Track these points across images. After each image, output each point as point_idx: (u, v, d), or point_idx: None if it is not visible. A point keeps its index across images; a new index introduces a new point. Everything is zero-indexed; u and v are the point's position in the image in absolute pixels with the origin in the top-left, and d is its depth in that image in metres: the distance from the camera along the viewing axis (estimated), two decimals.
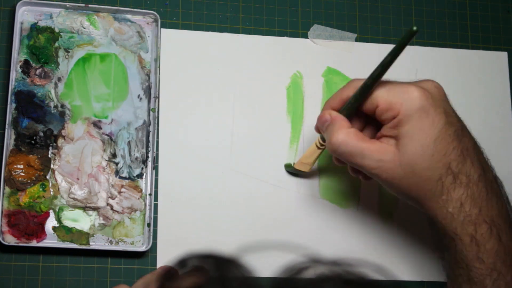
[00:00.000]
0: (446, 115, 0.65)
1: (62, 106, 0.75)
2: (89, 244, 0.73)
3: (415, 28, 0.61)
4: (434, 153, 0.64)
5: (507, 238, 0.65)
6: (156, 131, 0.76)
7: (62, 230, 0.73)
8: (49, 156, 0.74)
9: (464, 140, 0.66)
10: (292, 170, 0.78)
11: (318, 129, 0.71)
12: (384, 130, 0.67)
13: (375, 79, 0.66)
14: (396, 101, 0.65)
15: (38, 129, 0.74)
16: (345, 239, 0.78)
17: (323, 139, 0.72)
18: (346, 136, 0.67)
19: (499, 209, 0.66)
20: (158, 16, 0.78)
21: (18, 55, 0.75)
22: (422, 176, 0.65)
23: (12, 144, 0.73)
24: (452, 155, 0.65)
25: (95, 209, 0.74)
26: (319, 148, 0.74)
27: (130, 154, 0.75)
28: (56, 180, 0.73)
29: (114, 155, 0.75)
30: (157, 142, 0.77)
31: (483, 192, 0.65)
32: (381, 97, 0.66)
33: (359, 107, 0.68)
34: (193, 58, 0.80)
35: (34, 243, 0.72)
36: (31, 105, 0.74)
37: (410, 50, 0.84)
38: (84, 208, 0.74)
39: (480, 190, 0.65)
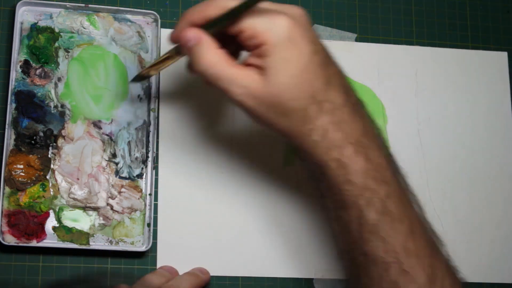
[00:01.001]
0: (312, 44, 0.64)
1: (62, 106, 0.75)
2: (89, 244, 0.73)
3: None
4: (301, 83, 0.63)
5: (375, 155, 0.64)
6: (156, 131, 0.76)
7: (62, 230, 0.73)
8: (49, 156, 0.74)
9: (329, 67, 0.65)
10: (138, 78, 0.75)
11: (174, 40, 0.67)
12: (249, 59, 0.64)
13: (248, 7, 0.62)
14: (262, 29, 0.62)
15: (38, 129, 0.74)
16: None
17: (178, 52, 0.68)
18: (216, 57, 0.63)
19: (364, 129, 0.65)
20: (158, 16, 0.78)
21: (18, 55, 0.75)
22: (288, 107, 0.63)
23: (12, 144, 0.73)
24: (317, 84, 0.63)
25: (95, 209, 0.74)
26: (169, 59, 0.70)
27: (130, 154, 0.75)
28: (56, 180, 0.73)
29: (114, 155, 0.75)
30: (157, 142, 0.77)
31: (347, 116, 0.64)
32: (247, 22, 0.63)
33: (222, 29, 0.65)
34: None
35: (34, 243, 0.72)
36: (31, 105, 0.74)
37: (410, 50, 0.84)
38: (84, 208, 0.74)
39: (344, 114, 0.64)
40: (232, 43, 0.66)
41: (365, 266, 0.64)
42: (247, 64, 0.64)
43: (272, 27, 0.62)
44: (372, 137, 0.65)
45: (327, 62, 0.65)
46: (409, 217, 0.64)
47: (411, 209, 0.65)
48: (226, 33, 0.64)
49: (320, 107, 0.63)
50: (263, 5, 0.64)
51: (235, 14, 0.63)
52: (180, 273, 0.74)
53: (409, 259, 0.63)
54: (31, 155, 0.73)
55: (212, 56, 0.64)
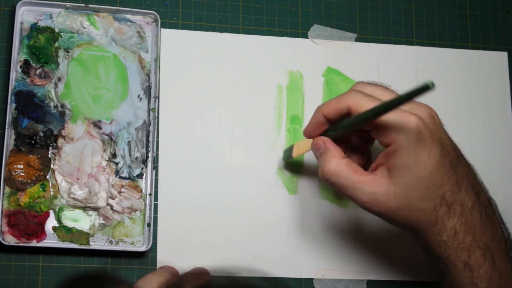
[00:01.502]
0: (442, 146, 0.64)
1: (62, 106, 0.75)
2: (89, 244, 0.73)
3: (431, 84, 0.57)
4: (429, 185, 0.63)
5: (501, 261, 0.65)
6: (156, 131, 0.76)
7: (62, 230, 0.73)
8: (49, 156, 0.74)
9: (458, 169, 0.65)
10: (288, 157, 0.76)
11: (307, 136, 0.70)
12: (379, 158, 0.65)
13: (377, 115, 0.63)
14: (392, 128, 0.63)
15: (38, 129, 0.74)
16: (345, 239, 0.78)
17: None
18: (338, 166, 0.65)
19: (493, 233, 0.65)
20: (158, 16, 0.78)
21: (18, 55, 0.75)
22: (416, 208, 0.64)
23: (12, 144, 0.73)
24: (446, 185, 0.64)
25: (95, 209, 0.74)
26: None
27: (130, 154, 0.75)
28: (56, 180, 0.73)
29: (114, 155, 0.75)
30: (157, 142, 0.77)
31: (477, 219, 0.65)
32: (379, 119, 0.63)
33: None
34: (193, 58, 0.80)
35: (34, 243, 0.72)
36: (31, 105, 0.74)
37: (410, 50, 0.84)
38: (84, 208, 0.74)
39: (474, 217, 0.64)
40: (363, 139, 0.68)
41: None
42: (376, 165, 0.65)
43: (402, 127, 0.62)
44: (499, 241, 0.66)
45: (457, 163, 0.65)
46: None
47: None
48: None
49: (450, 209, 0.64)
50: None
51: (365, 121, 0.64)
52: (180, 273, 0.74)
53: None
54: (31, 155, 0.73)
55: (336, 165, 0.65)
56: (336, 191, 0.66)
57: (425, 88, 0.57)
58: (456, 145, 0.66)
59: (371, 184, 0.64)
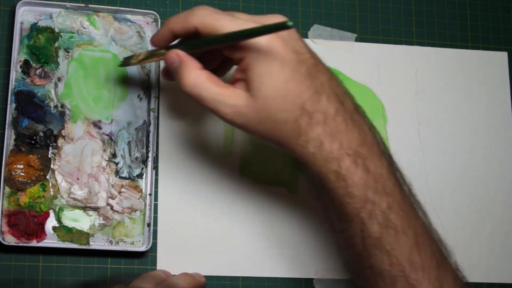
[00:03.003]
0: (297, 54, 0.62)
1: (62, 106, 0.75)
2: (89, 244, 0.73)
3: (290, 23, 0.57)
4: (287, 95, 0.62)
5: (375, 166, 0.63)
6: (156, 131, 0.76)
7: (62, 230, 0.73)
8: (49, 156, 0.74)
9: (317, 76, 0.63)
10: (126, 63, 0.74)
11: (155, 45, 0.68)
12: (236, 73, 0.64)
13: (230, 41, 0.62)
14: (242, 43, 0.62)
15: (38, 129, 0.74)
16: None
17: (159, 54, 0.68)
18: (198, 78, 0.63)
19: (362, 138, 0.63)
20: (158, 16, 0.78)
21: (18, 55, 0.75)
22: (278, 119, 0.62)
23: (12, 144, 0.73)
24: (305, 94, 0.62)
25: (95, 209, 0.74)
26: (154, 56, 0.70)
27: (130, 154, 0.75)
28: (56, 180, 0.73)
29: (114, 155, 0.75)
30: (157, 142, 0.77)
31: (341, 126, 0.63)
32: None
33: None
34: None
35: (34, 243, 0.72)
36: (31, 105, 0.74)
37: (410, 50, 0.84)
38: (84, 208, 0.74)
39: (338, 124, 0.62)
40: (219, 56, 0.66)
41: (372, 279, 0.64)
42: (235, 79, 0.64)
43: (251, 40, 0.61)
44: (371, 146, 0.64)
45: (315, 71, 0.63)
46: (414, 228, 0.63)
47: (416, 220, 0.64)
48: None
49: (311, 118, 0.62)
50: (242, 16, 0.63)
51: (216, 42, 0.63)
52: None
53: (415, 272, 0.62)
54: (31, 155, 0.73)
55: (195, 77, 0.63)
56: (198, 104, 0.65)
57: (283, 26, 0.57)
58: (314, 53, 0.64)
59: (232, 97, 0.63)
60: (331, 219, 0.67)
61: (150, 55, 0.70)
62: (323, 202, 0.67)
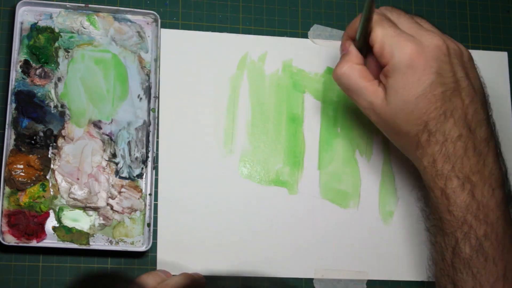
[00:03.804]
0: (437, 75, 0.67)
1: (62, 106, 0.75)
2: (89, 244, 0.73)
3: None
4: (414, 110, 0.67)
5: (483, 195, 0.66)
6: (156, 131, 0.76)
7: (62, 230, 0.73)
8: (49, 156, 0.74)
9: (453, 100, 0.67)
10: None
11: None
12: (380, 75, 0.69)
13: (367, 18, 0.68)
14: (387, 51, 0.67)
15: (38, 129, 0.74)
16: (345, 239, 0.78)
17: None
18: (349, 70, 0.70)
19: (478, 168, 0.67)
20: (158, 16, 0.78)
21: (18, 55, 0.75)
22: (401, 129, 0.68)
23: (12, 144, 0.73)
24: (432, 114, 0.67)
25: (95, 209, 0.74)
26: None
27: (130, 154, 0.75)
28: (56, 180, 0.73)
29: (114, 155, 0.75)
30: (157, 142, 0.77)
31: (460, 151, 0.67)
32: (377, 41, 0.68)
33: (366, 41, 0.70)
34: (193, 58, 0.80)
35: (34, 243, 0.72)
36: (31, 105, 0.74)
37: None
38: (84, 208, 0.74)
39: (456, 149, 0.67)
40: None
41: None
42: (381, 80, 0.69)
43: (395, 52, 0.67)
44: (487, 177, 0.67)
45: (453, 95, 0.67)
46: (506, 261, 0.66)
47: (510, 254, 0.66)
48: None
49: (431, 136, 0.67)
50: (403, 26, 0.68)
51: (363, 26, 0.68)
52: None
53: None
54: (31, 155, 0.73)
55: (347, 68, 0.70)
56: (343, 92, 0.72)
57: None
58: (465, 79, 0.68)
59: (373, 95, 0.69)
60: (429, 230, 0.73)
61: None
62: (426, 212, 0.74)
